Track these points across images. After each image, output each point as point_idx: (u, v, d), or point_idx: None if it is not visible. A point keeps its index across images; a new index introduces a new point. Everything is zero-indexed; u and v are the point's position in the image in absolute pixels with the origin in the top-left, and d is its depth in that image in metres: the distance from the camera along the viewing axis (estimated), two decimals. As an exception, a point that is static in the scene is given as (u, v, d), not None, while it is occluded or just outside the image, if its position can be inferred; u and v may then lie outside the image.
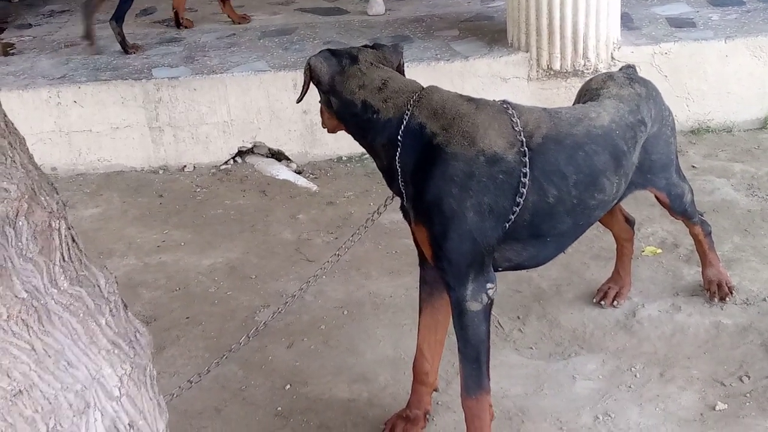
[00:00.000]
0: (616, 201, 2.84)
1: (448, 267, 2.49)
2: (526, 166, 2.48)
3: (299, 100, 2.79)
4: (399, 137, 2.52)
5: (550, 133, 2.56)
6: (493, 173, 2.45)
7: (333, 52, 2.66)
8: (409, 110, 2.52)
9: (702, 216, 3.36)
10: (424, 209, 2.50)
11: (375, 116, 2.56)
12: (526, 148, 2.49)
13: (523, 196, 2.48)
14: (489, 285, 2.53)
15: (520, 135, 2.50)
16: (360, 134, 2.65)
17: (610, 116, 2.71)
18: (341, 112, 2.64)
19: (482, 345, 2.55)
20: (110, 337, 1.79)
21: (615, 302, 3.41)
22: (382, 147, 2.58)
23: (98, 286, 1.80)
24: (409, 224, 2.64)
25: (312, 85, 2.66)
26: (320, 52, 2.67)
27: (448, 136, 2.46)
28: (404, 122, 2.52)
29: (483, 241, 2.47)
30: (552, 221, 2.58)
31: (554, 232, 2.62)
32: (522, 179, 2.48)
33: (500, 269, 2.63)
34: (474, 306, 2.50)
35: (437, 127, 2.49)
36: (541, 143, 2.53)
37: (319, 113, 2.81)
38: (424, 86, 2.61)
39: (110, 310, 1.81)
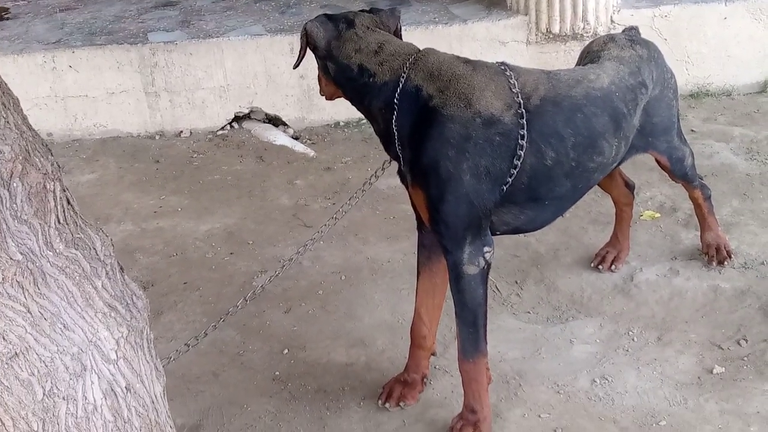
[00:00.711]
0: (616, 164, 2.82)
1: (445, 230, 2.47)
2: (523, 128, 2.46)
3: (296, 66, 2.76)
4: (395, 100, 2.50)
5: (548, 94, 2.53)
6: (490, 135, 2.43)
7: (329, 17, 2.64)
8: (405, 73, 2.50)
9: (701, 180, 3.35)
10: (420, 172, 2.48)
11: (371, 80, 2.54)
12: (523, 110, 2.47)
13: (521, 159, 2.46)
14: (486, 248, 2.52)
15: (518, 96, 2.48)
16: (357, 99, 2.63)
17: (610, 78, 2.68)
18: (338, 77, 2.62)
19: (479, 308, 2.54)
20: (106, 300, 1.78)
21: (613, 266, 3.41)
22: (379, 111, 2.57)
23: (94, 248, 1.79)
24: (407, 188, 2.62)
25: (309, 51, 2.64)
26: (317, 17, 2.65)
27: (444, 98, 2.44)
28: (400, 85, 2.50)
29: (480, 204, 2.46)
30: (550, 184, 2.57)
31: (552, 196, 2.61)
32: (519, 141, 2.46)
33: (498, 233, 2.62)
34: (471, 269, 2.49)
35: (433, 89, 2.46)
36: (539, 105, 2.50)
37: (316, 79, 2.79)
38: (421, 48, 2.59)
39: (106, 273, 1.80)
